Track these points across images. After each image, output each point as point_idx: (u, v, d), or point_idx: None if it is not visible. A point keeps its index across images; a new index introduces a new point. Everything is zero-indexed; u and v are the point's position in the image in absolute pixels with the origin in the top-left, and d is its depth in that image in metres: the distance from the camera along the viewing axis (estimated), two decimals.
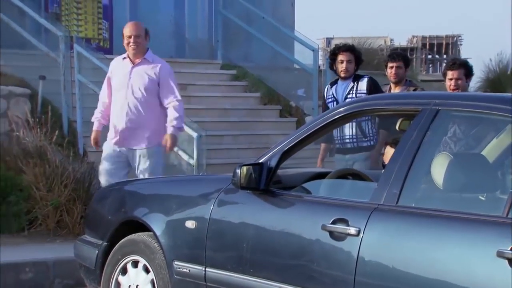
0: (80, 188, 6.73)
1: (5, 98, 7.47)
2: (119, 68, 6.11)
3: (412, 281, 3.03)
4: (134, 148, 6.02)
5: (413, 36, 18.57)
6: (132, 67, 6.01)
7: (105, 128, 6.22)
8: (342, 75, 6.28)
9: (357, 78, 6.28)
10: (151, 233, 3.99)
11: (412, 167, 3.19)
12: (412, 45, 17.85)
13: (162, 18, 10.85)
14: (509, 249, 2.79)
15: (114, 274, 4.13)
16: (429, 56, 18.38)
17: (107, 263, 4.17)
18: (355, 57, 6.33)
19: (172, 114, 6.00)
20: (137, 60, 6.03)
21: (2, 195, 6.33)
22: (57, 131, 7.28)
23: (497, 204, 3.01)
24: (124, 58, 6.10)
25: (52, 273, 5.56)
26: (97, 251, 4.27)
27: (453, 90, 6.01)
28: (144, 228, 4.04)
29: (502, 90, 11.35)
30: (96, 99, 7.72)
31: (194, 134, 7.19)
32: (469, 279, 2.89)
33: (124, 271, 4.10)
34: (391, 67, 6.30)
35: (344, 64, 6.25)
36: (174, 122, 5.98)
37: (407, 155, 3.23)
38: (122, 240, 4.12)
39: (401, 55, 6.68)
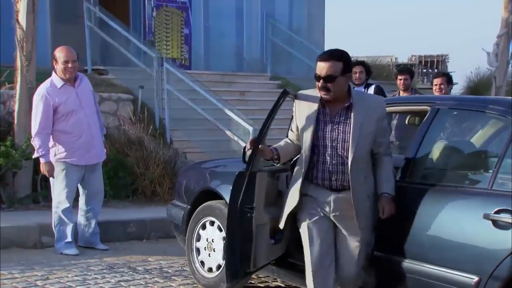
0: (168, 167, 6.75)
1: (115, 102, 7.55)
2: (61, 95, 4.72)
3: (419, 236, 2.97)
4: (96, 162, 4.89)
5: (412, 55, 18.25)
6: (76, 90, 4.79)
7: None
8: (356, 82, 6.26)
9: (367, 86, 6.28)
10: (223, 201, 3.94)
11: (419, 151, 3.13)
12: (412, 62, 17.51)
13: (227, 43, 10.88)
14: (492, 212, 2.73)
15: (197, 228, 4.12)
16: (424, 70, 18.04)
17: (191, 220, 4.16)
18: (366, 69, 6.35)
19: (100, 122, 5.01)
20: (74, 82, 4.80)
21: (114, 171, 6.40)
22: (151, 126, 7.35)
23: (483, 179, 2.94)
24: (62, 85, 4.73)
25: (149, 228, 5.58)
26: (183, 212, 4.28)
27: (438, 93, 5.93)
28: (217, 196, 4.01)
29: (479, 95, 11.08)
30: (180, 103, 7.82)
31: (250, 128, 7.15)
32: (462, 235, 2.83)
33: (203, 227, 4.09)
34: (400, 79, 6.20)
35: (357, 74, 6.24)
36: (104, 130, 5.13)
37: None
38: (204, 204, 4.09)
39: (408, 70, 6.60)
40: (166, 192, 6.57)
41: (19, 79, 6.08)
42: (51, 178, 4.88)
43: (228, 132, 7.42)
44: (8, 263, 4.52)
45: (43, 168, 4.79)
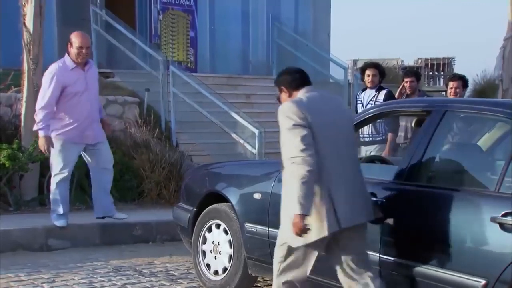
0: (173, 170, 6.76)
1: (121, 105, 7.57)
2: (72, 76, 5.01)
3: (426, 240, 2.97)
4: (93, 142, 5.14)
5: (418, 58, 18.21)
6: (85, 73, 5.06)
7: None
8: (369, 85, 6.18)
9: (380, 89, 6.16)
10: (229, 204, 3.95)
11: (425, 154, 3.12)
12: (418, 65, 17.48)
13: (232, 46, 10.89)
14: (500, 215, 2.72)
15: (203, 231, 4.12)
16: (430, 73, 17.99)
17: (197, 223, 4.16)
18: (380, 72, 6.22)
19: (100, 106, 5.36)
20: (85, 66, 5.06)
21: (120, 174, 6.41)
22: (157, 129, 7.35)
23: (490, 182, 2.93)
24: (74, 67, 5.01)
25: (155, 230, 5.59)
26: (189, 215, 4.28)
27: (453, 96, 5.87)
28: (223, 198, 4.02)
29: (486, 97, 11.03)
30: (185, 106, 7.83)
31: (256, 131, 7.14)
32: (470, 238, 2.83)
33: (209, 229, 4.09)
34: (407, 82, 6.18)
35: (370, 77, 6.14)
36: (103, 113, 5.48)
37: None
38: (209, 207, 4.10)
39: (413, 72, 6.56)
40: (172, 195, 6.58)
41: (26, 82, 6.11)
42: (51, 152, 5.04)
43: (234, 135, 7.43)
44: (15, 266, 4.54)
45: (41, 142, 4.98)
